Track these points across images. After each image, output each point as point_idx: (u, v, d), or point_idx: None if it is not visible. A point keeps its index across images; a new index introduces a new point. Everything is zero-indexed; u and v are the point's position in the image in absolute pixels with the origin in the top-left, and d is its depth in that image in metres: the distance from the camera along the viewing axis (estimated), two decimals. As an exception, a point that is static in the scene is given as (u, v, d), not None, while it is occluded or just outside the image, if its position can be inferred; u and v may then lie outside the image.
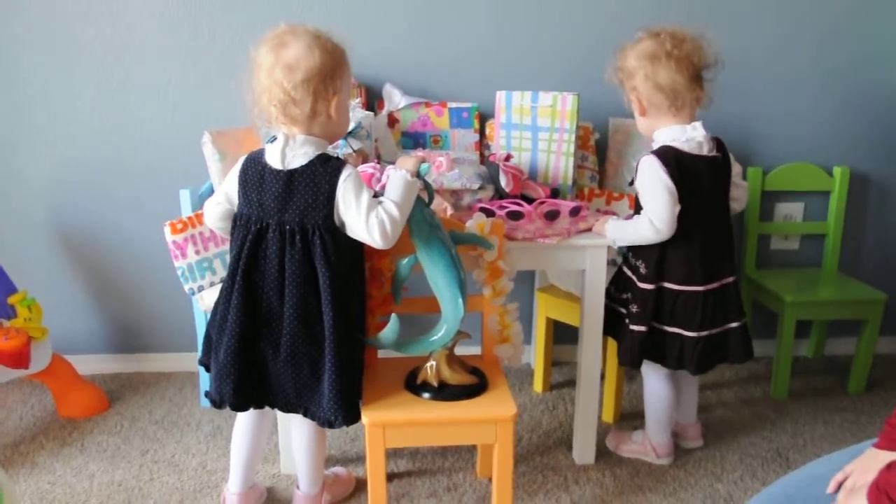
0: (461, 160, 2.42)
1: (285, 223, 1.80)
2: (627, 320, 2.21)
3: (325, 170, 1.79)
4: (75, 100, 2.74)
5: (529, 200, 2.40)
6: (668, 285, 2.16)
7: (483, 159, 2.66)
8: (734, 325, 2.23)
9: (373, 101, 2.71)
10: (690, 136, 2.10)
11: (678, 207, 2.06)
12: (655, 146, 2.13)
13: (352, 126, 2.37)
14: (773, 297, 2.74)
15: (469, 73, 2.76)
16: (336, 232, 1.80)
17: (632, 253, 2.21)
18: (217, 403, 1.87)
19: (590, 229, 2.20)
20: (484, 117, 2.69)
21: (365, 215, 1.77)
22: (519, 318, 2.08)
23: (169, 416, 2.68)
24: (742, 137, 2.86)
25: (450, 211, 2.14)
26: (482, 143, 2.70)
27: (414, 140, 2.67)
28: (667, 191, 2.05)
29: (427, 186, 1.91)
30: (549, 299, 2.69)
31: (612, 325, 2.30)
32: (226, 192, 1.92)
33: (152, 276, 2.91)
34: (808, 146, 2.90)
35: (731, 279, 2.22)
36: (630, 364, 2.22)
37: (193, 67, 2.72)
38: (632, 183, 2.22)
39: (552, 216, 2.22)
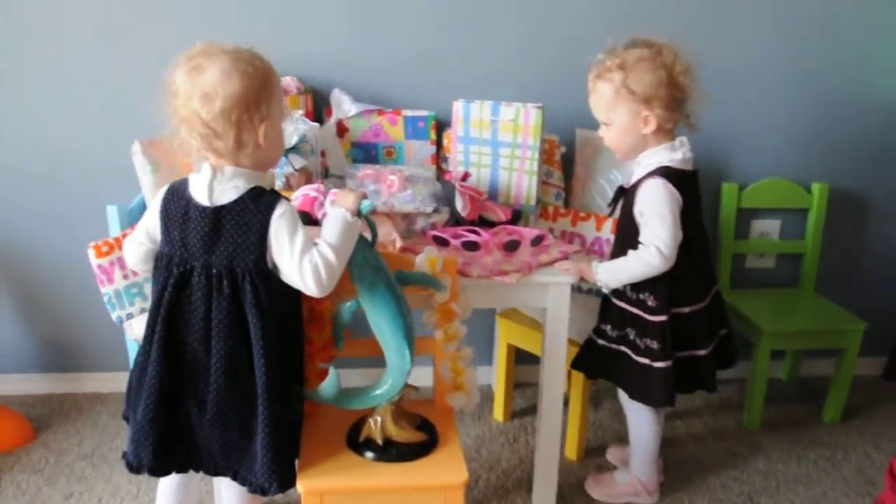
0: (415, 178, 2.22)
1: (212, 266, 1.59)
2: (645, 359, 2.01)
3: (256, 207, 1.58)
4: (-8, 103, 2.49)
5: (489, 223, 2.21)
6: (680, 310, 2.00)
7: (440, 174, 2.46)
8: (725, 331, 2.15)
9: (320, 107, 2.49)
10: (682, 154, 1.95)
11: (681, 233, 1.91)
12: (646, 167, 1.96)
13: (294, 140, 2.15)
14: (748, 323, 2.58)
15: (426, 78, 2.55)
16: (269, 276, 1.60)
17: (631, 287, 2.01)
18: (134, 468, 1.66)
19: (552, 263, 2.01)
20: (441, 126, 2.48)
21: (298, 260, 1.56)
22: (473, 363, 1.89)
23: (99, 450, 2.46)
24: (718, 152, 2.68)
25: (398, 243, 1.94)
26: (439, 156, 2.50)
27: (365, 151, 2.46)
28: (674, 216, 1.89)
29: (370, 226, 1.71)
30: (510, 325, 2.50)
31: (607, 366, 2.12)
32: (146, 230, 1.70)
33: (85, 294, 2.67)
34: (785, 162, 2.72)
35: (716, 286, 2.12)
36: (666, 404, 2.03)
37: (124, 71, 2.49)
38: (612, 207, 2.06)
39: (512, 247, 2.03)
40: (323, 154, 2.42)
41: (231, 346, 1.60)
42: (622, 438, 2.46)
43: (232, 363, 1.60)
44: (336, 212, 1.62)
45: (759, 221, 2.79)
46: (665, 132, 1.95)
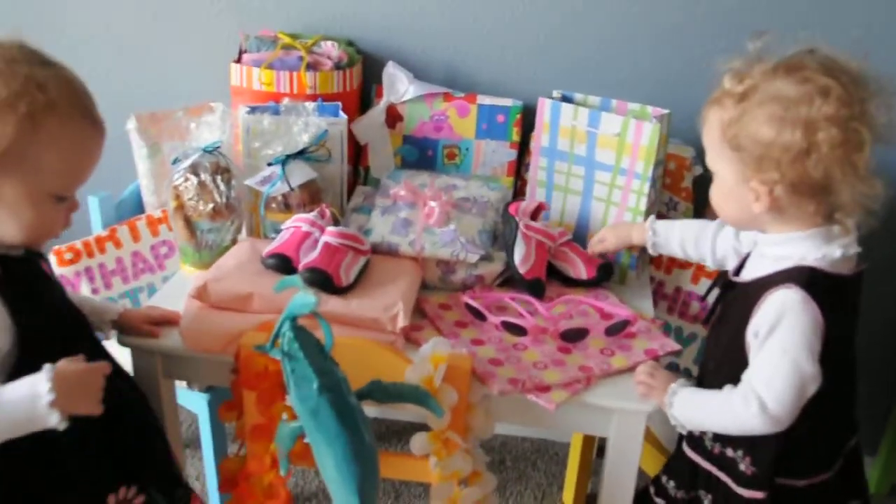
0: (469, 204, 1.60)
1: None
2: None
3: None
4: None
5: (564, 279, 1.57)
6: (791, 483, 1.26)
7: (514, 193, 1.81)
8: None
9: (368, 85, 1.87)
10: (842, 249, 1.16)
11: (815, 386, 1.15)
12: (778, 261, 1.19)
13: (303, 142, 1.57)
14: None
15: (515, 56, 1.86)
16: None
17: (713, 434, 1.28)
18: None
19: (631, 369, 1.34)
20: (528, 123, 1.80)
21: None
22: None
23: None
24: None
25: (401, 321, 1.33)
26: (521, 165, 1.84)
27: (420, 150, 1.83)
28: (807, 361, 1.13)
29: (324, 327, 1.12)
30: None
31: None
32: None
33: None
34: None
35: (855, 438, 1.34)
36: None
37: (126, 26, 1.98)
38: (712, 309, 1.34)
39: (574, 337, 1.38)
40: (365, 149, 1.83)
41: None
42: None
43: None
44: (29, 389, 1.05)
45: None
46: (805, 213, 1.18)
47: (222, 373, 1.35)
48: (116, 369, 1.25)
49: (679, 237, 1.48)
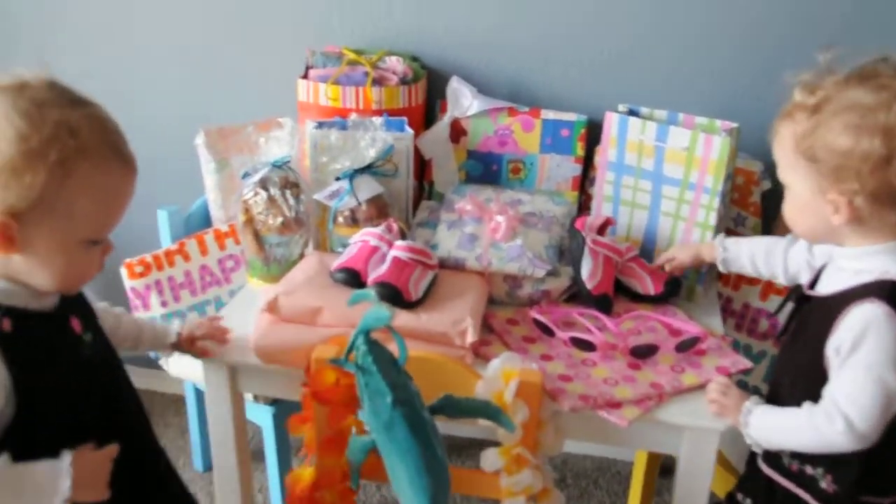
0: (536, 218, 1.59)
1: None
2: None
3: None
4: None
5: (631, 294, 1.55)
6: (872, 501, 1.22)
7: (579, 208, 1.80)
8: None
9: (433, 100, 1.88)
10: None
11: None
12: (857, 275, 1.16)
13: (370, 157, 1.58)
14: None
15: (579, 71, 1.86)
16: None
17: (792, 454, 1.24)
18: None
19: (701, 386, 1.32)
20: (593, 138, 1.80)
21: None
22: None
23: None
24: None
25: (470, 336, 1.33)
26: (586, 179, 1.83)
27: (484, 165, 1.84)
28: (893, 378, 1.10)
29: (397, 338, 1.12)
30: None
31: None
32: None
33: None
34: None
35: None
36: None
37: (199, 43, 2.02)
38: (786, 325, 1.31)
39: (644, 354, 1.36)
40: (429, 164, 1.83)
41: None
42: None
43: None
44: (48, 482, 1.02)
45: None
46: (887, 224, 1.15)
47: (292, 386, 1.36)
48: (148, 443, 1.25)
49: (749, 253, 1.46)
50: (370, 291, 1.16)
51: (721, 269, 1.50)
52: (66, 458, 1.03)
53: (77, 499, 1.03)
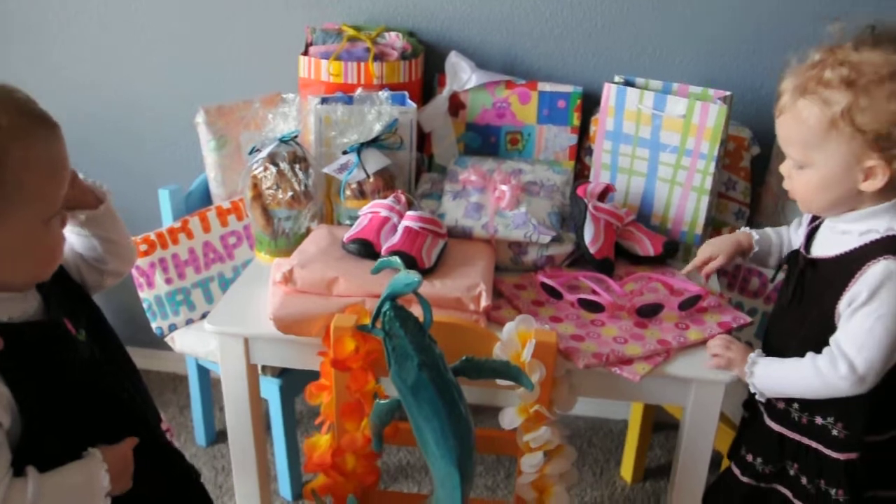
0: (537, 187, 1.64)
1: None
2: None
3: None
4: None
5: (632, 257, 1.61)
6: (871, 439, 1.28)
7: (576, 176, 1.84)
8: None
9: (431, 75, 1.91)
10: None
11: None
12: (862, 236, 1.21)
13: (375, 130, 1.61)
14: None
15: (574, 43, 1.90)
16: None
17: (800, 405, 1.30)
18: None
19: (704, 342, 1.38)
20: (588, 108, 1.85)
21: None
22: (571, 487, 1.34)
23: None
24: None
25: (484, 301, 1.37)
26: (582, 148, 1.88)
27: (483, 137, 1.88)
28: None
29: (423, 305, 1.16)
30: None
31: None
32: None
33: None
34: None
35: None
36: None
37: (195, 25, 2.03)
38: (785, 285, 1.36)
39: (649, 313, 1.42)
40: (428, 137, 1.87)
41: None
42: None
43: None
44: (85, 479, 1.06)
45: None
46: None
47: (307, 355, 1.39)
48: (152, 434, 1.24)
49: (776, 242, 1.47)
50: (395, 259, 1.19)
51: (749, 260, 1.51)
52: (97, 454, 1.06)
53: (113, 492, 1.08)
